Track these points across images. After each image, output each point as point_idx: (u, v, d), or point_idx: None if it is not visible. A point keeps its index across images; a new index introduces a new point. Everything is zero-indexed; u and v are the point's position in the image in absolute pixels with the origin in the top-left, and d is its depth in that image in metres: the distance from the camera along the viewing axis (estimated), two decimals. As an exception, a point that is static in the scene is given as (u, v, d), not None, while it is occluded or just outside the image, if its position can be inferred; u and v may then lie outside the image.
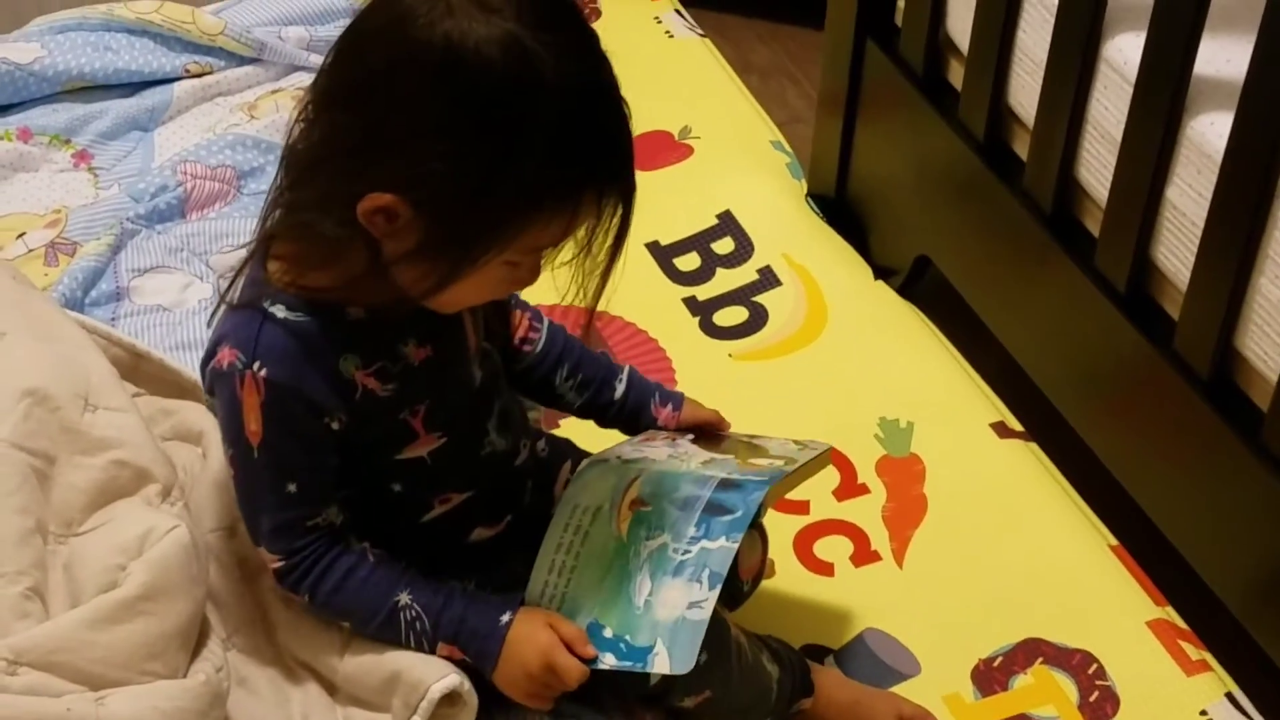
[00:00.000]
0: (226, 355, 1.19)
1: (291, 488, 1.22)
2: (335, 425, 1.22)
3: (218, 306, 1.25)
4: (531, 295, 1.31)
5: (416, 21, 1.08)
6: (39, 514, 1.30)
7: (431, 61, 1.08)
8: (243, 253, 1.25)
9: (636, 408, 1.45)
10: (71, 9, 2.09)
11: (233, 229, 1.88)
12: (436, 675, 1.25)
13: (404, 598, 1.25)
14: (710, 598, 1.26)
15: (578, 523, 1.32)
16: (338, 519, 1.25)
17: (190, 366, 1.56)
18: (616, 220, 1.16)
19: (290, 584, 1.25)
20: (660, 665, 1.25)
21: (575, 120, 1.10)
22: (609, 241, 1.17)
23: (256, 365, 1.18)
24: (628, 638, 1.26)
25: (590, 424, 1.48)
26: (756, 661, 1.36)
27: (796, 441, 1.46)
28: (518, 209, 1.12)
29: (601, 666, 1.26)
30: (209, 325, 1.27)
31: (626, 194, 1.16)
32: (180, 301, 1.79)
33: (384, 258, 1.15)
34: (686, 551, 1.29)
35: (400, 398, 1.24)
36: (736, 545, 1.29)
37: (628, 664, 1.26)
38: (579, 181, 1.13)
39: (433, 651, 1.26)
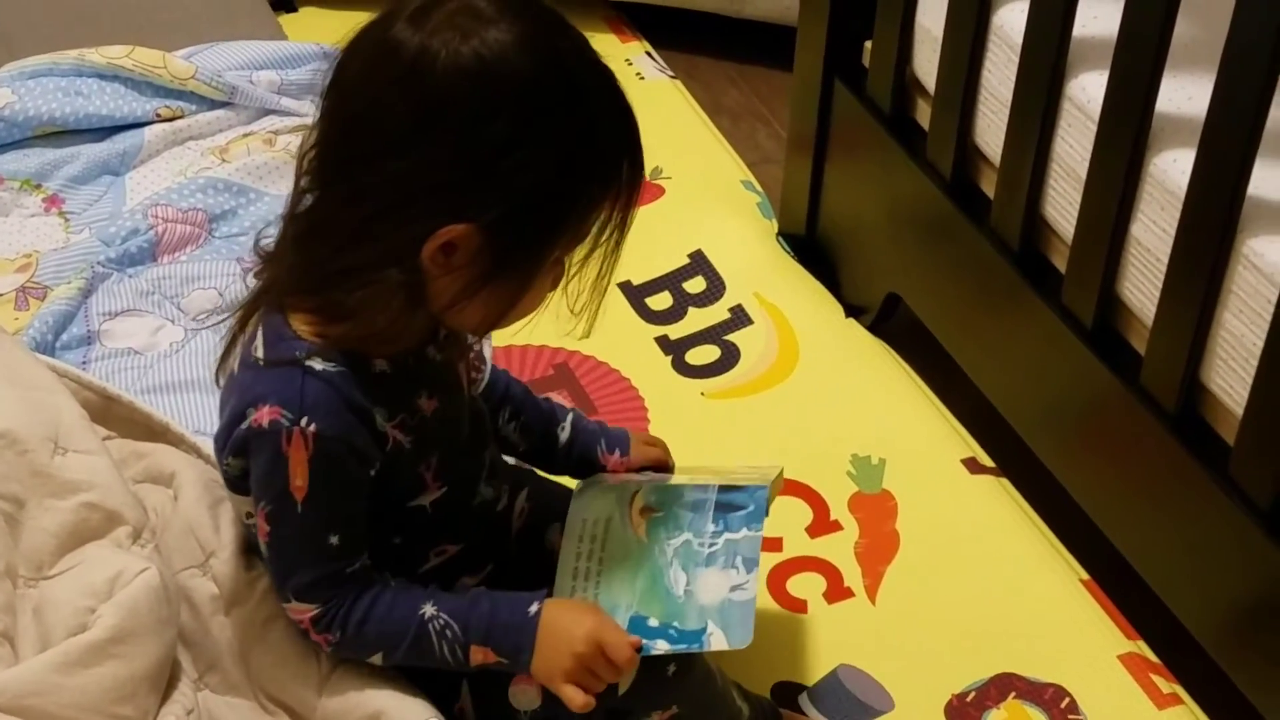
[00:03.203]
0: (266, 413, 1.17)
1: (334, 540, 1.20)
2: (372, 473, 1.22)
3: (220, 368, 1.24)
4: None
5: (438, 57, 1.09)
6: (8, 557, 1.30)
7: (476, 87, 1.09)
8: (227, 314, 1.24)
9: (584, 454, 1.44)
10: (42, 54, 2.09)
11: (204, 272, 1.88)
12: (419, 717, 1.24)
13: (429, 609, 1.23)
14: (751, 580, 1.28)
15: (592, 533, 1.33)
16: (368, 561, 1.24)
17: (162, 409, 1.55)
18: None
19: (323, 628, 1.23)
20: (718, 643, 1.26)
21: (610, 102, 1.15)
22: (623, 218, 1.20)
23: (305, 421, 1.17)
24: (675, 624, 1.27)
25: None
26: (726, 691, 1.37)
27: (747, 466, 1.47)
28: (579, 198, 1.16)
29: (654, 652, 1.25)
30: (218, 384, 1.26)
31: (642, 166, 1.20)
32: (151, 344, 1.79)
33: (435, 299, 1.16)
34: (712, 544, 1.31)
35: (418, 450, 1.24)
36: (760, 534, 1.32)
37: (682, 646, 1.26)
38: (619, 160, 1.17)
39: (466, 660, 1.24)
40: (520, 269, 1.16)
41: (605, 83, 1.16)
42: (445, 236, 1.12)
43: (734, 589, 1.28)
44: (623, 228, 1.20)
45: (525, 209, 1.13)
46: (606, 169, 1.16)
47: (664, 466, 1.46)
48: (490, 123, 1.10)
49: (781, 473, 1.47)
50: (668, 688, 1.29)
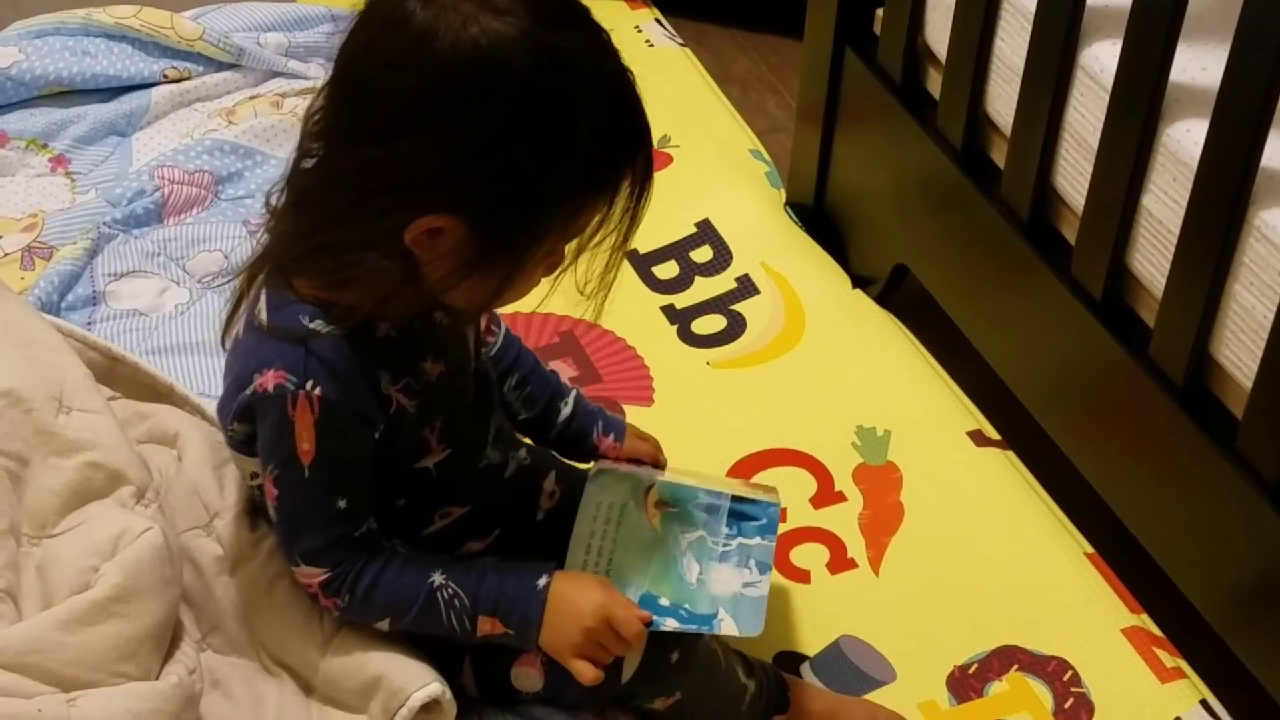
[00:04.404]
0: (271, 378, 1.17)
1: (342, 503, 1.21)
2: (377, 436, 1.21)
3: (225, 330, 1.24)
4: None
5: (438, 39, 1.07)
6: (12, 515, 1.30)
7: (468, 79, 1.07)
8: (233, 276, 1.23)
9: (579, 432, 1.43)
10: (49, 14, 2.09)
11: (210, 234, 1.88)
12: (418, 682, 1.24)
13: (438, 578, 1.23)
14: (764, 581, 1.29)
15: (606, 515, 1.33)
16: (375, 525, 1.24)
17: (166, 371, 1.55)
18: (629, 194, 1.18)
19: (332, 593, 1.24)
20: (728, 629, 1.26)
21: (612, 106, 1.13)
22: (632, 217, 1.18)
23: (310, 384, 1.17)
24: (687, 606, 1.27)
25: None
26: (730, 670, 1.36)
27: (744, 483, 1.48)
28: (568, 200, 1.14)
29: (664, 628, 1.25)
30: (223, 347, 1.26)
31: (650, 167, 1.17)
32: (157, 306, 1.78)
33: (427, 277, 1.15)
34: (726, 545, 1.32)
35: (422, 414, 1.24)
36: (774, 544, 1.33)
37: (692, 627, 1.26)
38: (620, 164, 1.15)
39: (474, 631, 1.24)
40: (505, 261, 1.15)
41: (611, 88, 1.13)
42: (425, 225, 1.11)
43: (746, 585, 1.29)
44: (629, 226, 1.18)
45: (506, 208, 1.12)
46: (598, 176, 1.14)
47: (654, 464, 1.45)
48: (477, 117, 1.08)
49: (779, 503, 1.45)
50: (671, 674, 1.29)
